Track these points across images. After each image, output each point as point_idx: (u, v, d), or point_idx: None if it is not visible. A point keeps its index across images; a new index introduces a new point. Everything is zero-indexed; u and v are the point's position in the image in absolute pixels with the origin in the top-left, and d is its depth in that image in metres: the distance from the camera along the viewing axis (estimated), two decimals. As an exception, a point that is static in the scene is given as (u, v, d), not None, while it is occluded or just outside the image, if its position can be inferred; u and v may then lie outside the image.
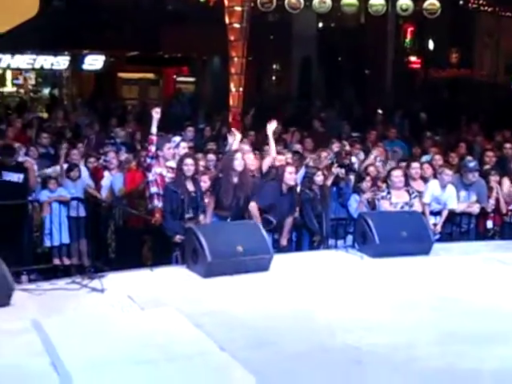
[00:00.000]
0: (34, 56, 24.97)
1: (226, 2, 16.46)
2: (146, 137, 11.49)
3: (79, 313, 6.15)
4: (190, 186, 8.42)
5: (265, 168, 9.32)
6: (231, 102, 16.05)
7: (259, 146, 11.33)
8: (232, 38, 16.23)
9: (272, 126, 9.55)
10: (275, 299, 6.49)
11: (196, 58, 25.59)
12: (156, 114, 8.92)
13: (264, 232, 7.67)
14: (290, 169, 8.86)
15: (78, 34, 22.49)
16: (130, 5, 22.05)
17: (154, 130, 8.91)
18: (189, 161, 8.52)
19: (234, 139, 9.39)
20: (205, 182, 8.85)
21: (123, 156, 10.45)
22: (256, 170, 9.35)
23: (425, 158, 11.13)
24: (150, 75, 26.91)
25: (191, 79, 27.19)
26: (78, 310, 6.21)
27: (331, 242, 9.06)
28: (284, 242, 8.81)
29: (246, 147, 9.70)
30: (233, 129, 10.70)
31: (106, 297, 6.49)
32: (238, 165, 8.53)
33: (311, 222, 8.93)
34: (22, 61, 25.17)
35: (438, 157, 10.78)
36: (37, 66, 25.59)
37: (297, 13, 21.04)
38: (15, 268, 6.94)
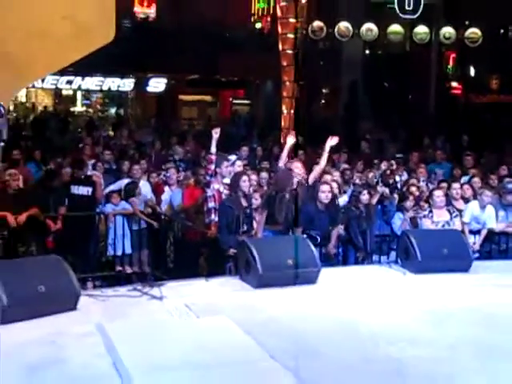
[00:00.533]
0: (102, 78, 25.38)
1: (279, 30, 16.51)
2: (204, 155, 11.64)
3: (140, 318, 6.22)
4: (244, 202, 8.45)
5: (311, 180, 9.24)
6: (283, 124, 16.07)
7: (309, 165, 11.31)
8: (285, 63, 16.26)
9: (332, 142, 9.41)
10: (322, 311, 6.46)
11: (251, 82, 25.66)
12: (215, 133, 8.96)
13: (312, 246, 7.67)
14: (324, 187, 8.83)
15: (143, 59, 22.76)
16: (190, 31, 22.22)
17: (213, 149, 8.93)
18: (243, 178, 8.56)
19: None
20: (256, 200, 8.86)
21: (181, 173, 10.53)
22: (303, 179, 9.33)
23: (464, 179, 10.99)
24: (208, 97, 27.06)
25: (246, 101, 27.28)
26: (139, 315, 6.28)
27: (375, 257, 9.00)
28: (332, 250, 8.79)
29: (298, 164, 9.69)
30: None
31: (165, 304, 6.55)
32: (292, 183, 8.55)
33: (356, 238, 8.89)
34: (91, 83, 25.59)
35: (476, 179, 10.64)
36: (104, 87, 25.99)
37: (345, 40, 21.06)
38: (81, 275, 7.03)
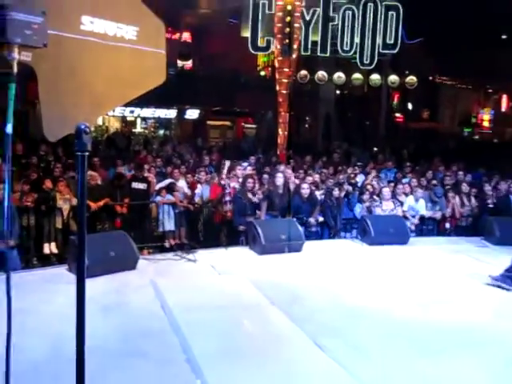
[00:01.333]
0: (154, 109, 25.51)
1: (277, 76, 16.48)
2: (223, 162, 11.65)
3: (179, 274, 6.22)
4: (250, 195, 8.46)
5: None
6: (279, 141, 16.03)
7: (297, 169, 11.32)
8: (280, 99, 16.20)
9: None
10: (305, 270, 6.47)
11: (257, 112, 25.66)
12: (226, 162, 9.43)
13: (299, 225, 7.66)
14: (304, 185, 8.84)
15: (183, 96, 22.84)
16: (215, 77, 22.25)
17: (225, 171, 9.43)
18: (249, 180, 8.60)
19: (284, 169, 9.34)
20: (258, 195, 8.83)
21: (209, 175, 10.51)
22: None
23: (405, 181, 10.94)
24: (228, 123, 27.09)
25: (254, 126, 27.29)
26: (179, 273, 6.29)
27: (342, 234, 8.95)
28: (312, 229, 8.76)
29: (288, 170, 9.69)
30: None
31: (197, 265, 6.56)
32: (280, 181, 8.55)
33: (329, 221, 8.86)
34: (147, 112, 25.73)
35: (415, 179, 10.60)
36: (156, 115, 26.12)
37: (322, 84, 21.01)
38: (140, 245, 7.03)
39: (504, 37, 20.72)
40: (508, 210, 9.08)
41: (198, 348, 4.00)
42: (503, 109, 28.50)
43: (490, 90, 28.83)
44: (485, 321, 4.82)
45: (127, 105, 23.82)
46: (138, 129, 27.25)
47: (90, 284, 5.11)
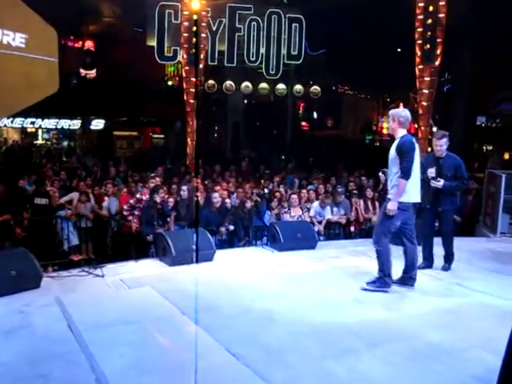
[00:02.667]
0: (57, 120, 24.61)
1: (184, 86, 16.45)
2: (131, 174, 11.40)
3: (87, 291, 6.00)
4: (159, 205, 8.36)
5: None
6: (188, 151, 15.98)
7: (206, 178, 11.37)
8: (188, 109, 16.20)
9: None
10: (217, 279, 6.47)
11: (165, 122, 25.43)
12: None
13: (209, 235, 7.66)
14: (215, 195, 8.92)
15: (87, 105, 22.19)
16: (121, 86, 21.78)
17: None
18: (160, 190, 8.50)
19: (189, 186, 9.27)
20: (170, 203, 8.76)
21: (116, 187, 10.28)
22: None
23: (311, 187, 11.29)
24: (135, 133, 26.63)
25: (162, 136, 27.02)
26: (86, 289, 6.07)
27: (253, 241, 9.06)
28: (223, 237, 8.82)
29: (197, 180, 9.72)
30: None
31: (105, 280, 6.37)
32: (187, 194, 8.53)
33: (240, 231, 8.97)
34: (49, 123, 24.76)
35: (321, 186, 10.96)
36: (59, 126, 25.20)
37: (230, 93, 21.21)
38: (44, 262, 6.72)
39: (399, 50, 22.00)
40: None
41: (107, 366, 3.89)
42: (400, 117, 30.20)
43: (388, 100, 30.50)
44: (387, 319, 5.07)
45: (27, 115, 22.79)
46: (40, 140, 26.10)
47: (-11, 306, 4.88)
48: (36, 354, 4.13)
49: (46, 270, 6.97)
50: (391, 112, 6.03)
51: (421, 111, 14.53)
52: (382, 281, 5.87)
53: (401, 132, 5.86)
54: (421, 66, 14.20)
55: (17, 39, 2.50)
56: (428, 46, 14.03)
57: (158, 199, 8.24)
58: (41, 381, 3.69)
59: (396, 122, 5.87)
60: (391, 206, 5.76)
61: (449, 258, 6.91)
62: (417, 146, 5.89)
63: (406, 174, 5.69)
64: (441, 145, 6.68)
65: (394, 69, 22.36)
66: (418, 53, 14.15)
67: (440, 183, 6.56)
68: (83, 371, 3.86)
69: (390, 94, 29.08)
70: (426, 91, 14.29)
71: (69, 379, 3.73)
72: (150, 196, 8.38)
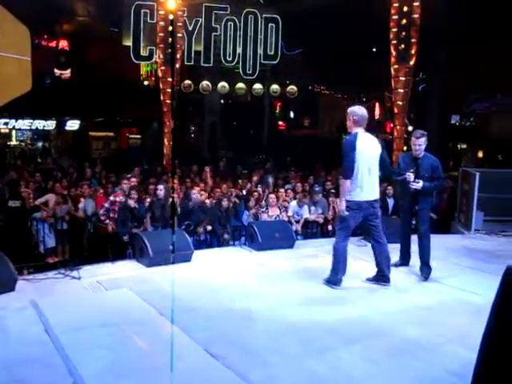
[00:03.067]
0: (31, 120, 24.23)
1: (161, 86, 16.36)
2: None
3: (63, 293, 5.93)
4: (135, 206, 8.30)
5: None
6: (165, 151, 15.90)
7: (184, 179, 11.31)
8: (165, 109, 16.10)
9: None
10: (195, 280, 6.45)
11: (142, 122, 25.23)
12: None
13: (187, 235, 7.62)
14: (193, 191, 8.94)
15: (62, 105, 21.90)
16: (97, 86, 21.53)
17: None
18: (133, 190, 8.45)
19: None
20: (147, 203, 8.71)
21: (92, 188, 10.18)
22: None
23: (288, 186, 11.32)
24: (111, 133, 26.38)
25: (138, 136, 26.81)
26: (63, 292, 5.99)
27: (231, 241, 9.05)
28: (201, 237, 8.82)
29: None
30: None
31: (82, 282, 6.29)
32: (163, 194, 8.52)
33: (218, 230, 8.96)
34: (23, 124, 24.35)
35: (298, 185, 11.00)
36: (33, 127, 24.79)
37: (207, 93, 21.18)
38: (19, 265, 6.60)
39: (374, 50, 22.20)
40: (385, 210, 9.72)
41: (84, 369, 3.84)
42: (376, 116, 30.52)
43: (364, 99, 30.76)
44: (365, 316, 5.12)
45: (0, 116, 22.39)
46: (14, 141, 25.67)
47: (-38, 310, 4.78)
48: (12, 358, 4.06)
49: (22, 272, 6.85)
50: (348, 110, 6.06)
51: (396, 110, 14.66)
52: (333, 278, 6.00)
53: (355, 130, 5.90)
54: (396, 66, 14.33)
55: (-15, 36, 2.45)
56: (403, 45, 14.17)
57: (132, 200, 8.18)
58: (16, 386, 3.63)
59: (351, 120, 5.93)
60: (339, 206, 6.10)
61: (424, 267, 6.50)
62: (367, 143, 5.87)
63: (346, 173, 5.80)
64: (419, 144, 6.51)
65: (370, 68, 22.57)
66: (393, 53, 14.28)
67: (419, 185, 6.46)
68: (60, 375, 3.81)
69: (366, 94, 29.34)
70: (401, 90, 14.43)
71: (46, 383, 3.67)
72: (124, 197, 8.31)
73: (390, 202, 10.14)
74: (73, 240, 8.83)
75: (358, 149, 5.75)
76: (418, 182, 6.47)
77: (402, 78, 14.35)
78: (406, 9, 14.05)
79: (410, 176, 6.44)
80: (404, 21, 14.11)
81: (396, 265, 6.70)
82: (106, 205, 8.38)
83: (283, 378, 3.81)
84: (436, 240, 7.02)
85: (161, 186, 8.70)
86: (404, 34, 14.11)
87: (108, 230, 8.21)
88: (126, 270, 6.93)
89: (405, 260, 7.00)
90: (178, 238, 7.27)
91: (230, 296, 5.72)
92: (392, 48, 14.30)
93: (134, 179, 9.81)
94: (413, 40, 14.13)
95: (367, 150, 5.84)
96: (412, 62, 14.27)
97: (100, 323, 4.79)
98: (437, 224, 9.49)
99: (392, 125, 14.94)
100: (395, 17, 14.19)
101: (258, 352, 4.21)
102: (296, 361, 4.06)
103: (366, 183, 5.86)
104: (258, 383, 3.69)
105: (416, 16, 14.05)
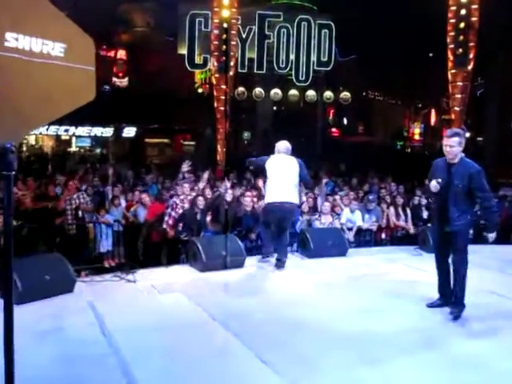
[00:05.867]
0: (90, 127, 25.10)
1: (214, 93, 16.59)
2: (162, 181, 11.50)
3: (119, 296, 6.06)
4: (197, 211, 8.43)
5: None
6: (218, 158, 16.10)
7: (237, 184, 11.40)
8: (218, 116, 16.36)
9: None
10: (248, 285, 6.47)
11: (195, 129, 25.66)
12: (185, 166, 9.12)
13: (240, 241, 7.65)
14: (246, 201, 9.03)
15: (120, 113, 22.59)
16: (152, 94, 22.07)
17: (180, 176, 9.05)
18: (199, 198, 8.58)
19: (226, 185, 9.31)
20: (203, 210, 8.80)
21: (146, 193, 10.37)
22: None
23: (341, 193, 11.17)
24: (166, 140, 26.96)
25: (192, 143, 27.25)
26: (118, 294, 6.13)
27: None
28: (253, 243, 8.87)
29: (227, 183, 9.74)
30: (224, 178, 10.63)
31: (137, 285, 6.42)
32: (229, 197, 8.65)
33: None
34: (82, 131, 25.27)
35: (351, 192, 10.86)
36: (92, 134, 25.71)
37: (259, 100, 21.30)
38: (78, 267, 6.82)
39: (431, 55, 21.73)
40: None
41: (139, 370, 3.91)
42: (432, 123, 29.85)
43: (420, 105, 30.15)
44: (421, 327, 4.96)
45: (61, 123, 23.32)
46: (73, 147, 26.70)
47: (25, 310, 4.98)
48: (70, 357, 4.17)
49: (79, 274, 7.06)
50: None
51: (453, 116, 14.30)
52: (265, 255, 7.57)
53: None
54: (453, 71, 13.99)
55: (56, 48, 2.55)
56: (460, 50, 13.81)
57: (200, 204, 8.33)
58: (73, 383, 3.72)
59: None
60: None
61: (457, 301, 5.24)
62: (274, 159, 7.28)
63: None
64: (451, 145, 5.07)
65: (426, 74, 22.09)
66: (451, 57, 13.95)
67: (492, 235, 5.25)
68: (115, 374, 3.89)
69: (422, 100, 28.75)
70: (458, 96, 14.08)
71: (101, 382, 3.76)
72: (191, 202, 8.43)
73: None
74: (128, 244, 9.03)
75: None
76: (491, 234, 5.25)
77: (460, 83, 13.99)
78: (463, 12, 13.68)
79: (436, 186, 5.13)
80: (462, 24, 13.75)
81: (433, 305, 5.49)
82: (170, 210, 8.53)
83: (336, 387, 3.74)
84: (496, 249, 6.75)
85: (221, 191, 8.81)
86: (462, 37, 13.75)
87: (163, 234, 8.36)
88: (179, 274, 7.03)
89: (444, 298, 5.47)
90: (231, 243, 7.32)
91: (282, 303, 5.69)
92: (449, 52, 13.96)
93: (201, 184, 9.90)
94: (471, 44, 13.76)
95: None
96: (470, 67, 13.89)
97: (154, 326, 4.87)
98: (497, 234, 9.11)
99: (449, 131, 14.50)
100: (452, 20, 13.87)
101: (309, 360, 4.16)
102: (348, 370, 3.98)
103: (273, 187, 7.13)
104: (309, 392, 3.65)
105: (474, 19, 13.69)
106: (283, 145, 7.50)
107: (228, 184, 9.37)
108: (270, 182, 7.23)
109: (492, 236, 5.23)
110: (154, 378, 3.82)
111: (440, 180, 5.08)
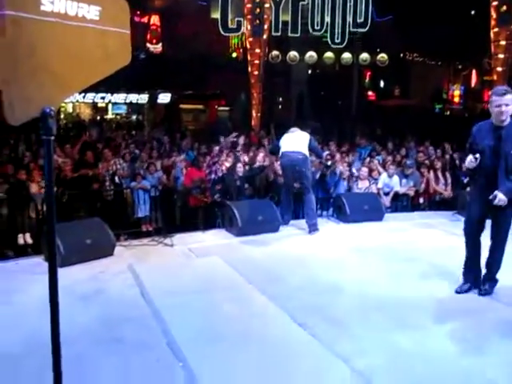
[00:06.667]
0: (125, 94, 25.28)
1: (248, 57, 16.42)
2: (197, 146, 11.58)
3: (157, 260, 6.20)
4: (236, 177, 8.52)
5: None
6: (253, 123, 16.03)
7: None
8: (252, 80, 16.24)
9: None
10: (283, 250, 6.50)
11: (230, 94, 25.52)
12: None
13: (274, 206, 7.67)
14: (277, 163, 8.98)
15: (154, 79, 22.65)
16: (186, 60, 21.99)
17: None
18: (239, 164, 8.77)
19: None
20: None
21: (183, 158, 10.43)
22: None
23: (378, 158, 11.01)
24: (200, 106, 26.94)
25: (227, 108, 27.16)
26: (157, 258, 6.27)
27: (319, 212, 8.95)
28: None
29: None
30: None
31: (175, 250, 6.55)
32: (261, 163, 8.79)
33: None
34: (118, 98, 25.47)
35: (389, 157, 10.69)
36: (127, 100, 25.88)
37: (294, 64, 20.99)
38: (117, 231, 6.96)
39: (473, 12, 20.90)
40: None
41: (178, 331, 4.01)
42: (473, 84, 28.88)
43: (460, 66, 29.13)
44: (456, 295, 4.88)
45: (97, 91, 23.55)
46: (109, 115, 26.99)
47: (67, 272, 5.16)
48: (111, 318, 4.31)
49: (119, 238, 7.22)
50: None
51: (495, 77, 13.81)
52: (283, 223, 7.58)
53: None
54: (496, 29, 13.44)
55: (91, 12, 2.55)
56: (504, 7, 13.21)
57: (239, 171, 8.40)
58: (115, 343, 3.86)
59: None
60: None
61: (491, 276, 4.84)
62: None
63: None
64: (506, 104, 4.28)
65: (467, 33, 21.28)
66: (494, 15, 13.37)
67: (499, 198, 4.30)
68: (155, 335, 4.01)
69: (462, 61, 27.77)
70: (501, 56, 13.55)
71: (141, 342, 3.88)
72: (229, 168, 8.52)
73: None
74: (165, 209, 9.15)
75: None
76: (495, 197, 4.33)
77: (503, 43, 13.45)
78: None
79: (472, 162, 4.39)
80: (506, -21, 13.13)
81: (462, 290, 4.90)
82: (213, 176, 8.67)
83: (369, 351, 3.75)
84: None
85: (260, 155, 8.88)
86: (506, -7, 13.14)
87: (199, 199, 8.47)
88: (215, 238, 7.13)
89: (472, 281, 4.92)
90: (267, 208, 7.35)
91: (317, 267, 5.72)
92: (492, 10, 13.38)
93: (227, 150, 9.91)
94: (516, 0, 13.14)
95: None
96: (515, 25, 13.29)
97: (192, 289, 4.97)
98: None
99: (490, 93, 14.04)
100: (496, -24, 13.24)
101: (345, 324, 4.18)
102: (383, 335, 3.99)
103: None
104: (344, 355, 3.66)
105: (520, -26, 13.02)
106: (294, 128, 7.94)
107: (262, 154, 9.42)
108: (282, 146, 7.60)
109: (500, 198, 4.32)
110: (193, 338, 3.91)
111: (478, 155, 4.32)
